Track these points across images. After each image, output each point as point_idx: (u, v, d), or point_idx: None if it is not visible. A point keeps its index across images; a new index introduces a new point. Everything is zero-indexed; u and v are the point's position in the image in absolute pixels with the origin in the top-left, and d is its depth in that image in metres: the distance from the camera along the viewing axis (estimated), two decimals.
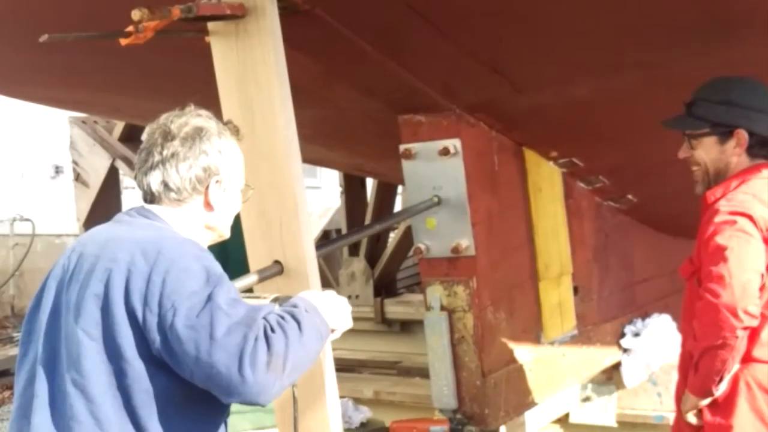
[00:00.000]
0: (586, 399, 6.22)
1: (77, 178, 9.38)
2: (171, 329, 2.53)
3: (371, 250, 8.48)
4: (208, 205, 2.87)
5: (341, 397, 3.60)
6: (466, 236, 4.67)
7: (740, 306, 3.60)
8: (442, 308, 4.77)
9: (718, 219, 3.78)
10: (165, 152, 2.82)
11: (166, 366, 2.58)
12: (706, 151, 4.00)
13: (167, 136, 2.83)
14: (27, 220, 15.21)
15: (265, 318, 2.62)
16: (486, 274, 4.77)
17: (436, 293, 4.78)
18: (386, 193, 8.67)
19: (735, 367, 3.78)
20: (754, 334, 3.75)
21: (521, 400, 5.04)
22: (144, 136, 2.89)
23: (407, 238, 8.00)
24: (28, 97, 7.11)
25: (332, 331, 2.87)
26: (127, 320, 2.58)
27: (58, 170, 15.99)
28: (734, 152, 3.95)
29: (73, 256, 2.79)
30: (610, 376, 6.25)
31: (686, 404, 3.96)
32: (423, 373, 6.38)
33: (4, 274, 15.19)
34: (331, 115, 5.27)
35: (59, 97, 6.72)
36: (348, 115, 5.26)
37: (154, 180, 2.83)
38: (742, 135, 3.94)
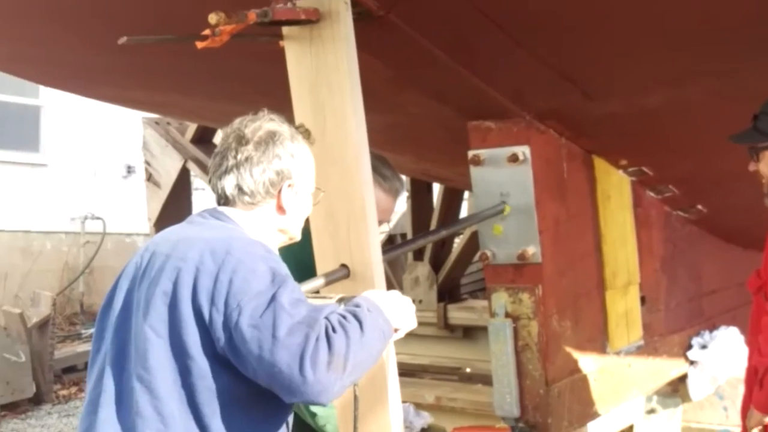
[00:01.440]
0: (651, 411, 6.18)
1: (149, 178, 9.50)
2: (236, 328, 2.58)
3: (436, 255, 8.48)
4: (280, 209, 2.93)
5: (402, 401, 3.60)
6: (532, 243, 4.66)
7: None
8: (507, 315, 4.75)
9: None
10: (239, 156, 2.88)
11: (231, 364, 2.63)
12: None
13: (241, 140, 2.90)
14: (98, 218, 15.41)
15: (327, 318, 2.65)
16: (552, 282, 4.75)
17: (501, 300, 4.77)
18: (453, 199, 8.66)
19: None
20: None
21: (585, 410, 5.02)
22: (218, 141, 3.02)
23: (472, 244, 7.99)
24: (104, 97, 7.21)
25: (396, 330, 2.89)
26: (193, 318, 2.64)
27: (130, 170, 16.16)
28: None
29: (145, 254, 2.84)
30: (676, 389, 6.20)
31: (751, 420, 3.94)
32: (485, 379, 6.37)
33: (74, 271, 15.41)
34: (401, 121, 5.28)
35: (134, 98, 6.81)
36: (418, 120, 5.27)
37: (229, 184, 2.90)
38: None
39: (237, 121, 2.96)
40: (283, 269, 2.73)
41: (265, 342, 2.55)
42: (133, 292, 2.81)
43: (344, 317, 2.69)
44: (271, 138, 2.92)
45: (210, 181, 2.98)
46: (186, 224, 2.97)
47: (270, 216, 2.94)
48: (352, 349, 2.63)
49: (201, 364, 2.64)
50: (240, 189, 2.89)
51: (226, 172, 2.90)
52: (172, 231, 2.94)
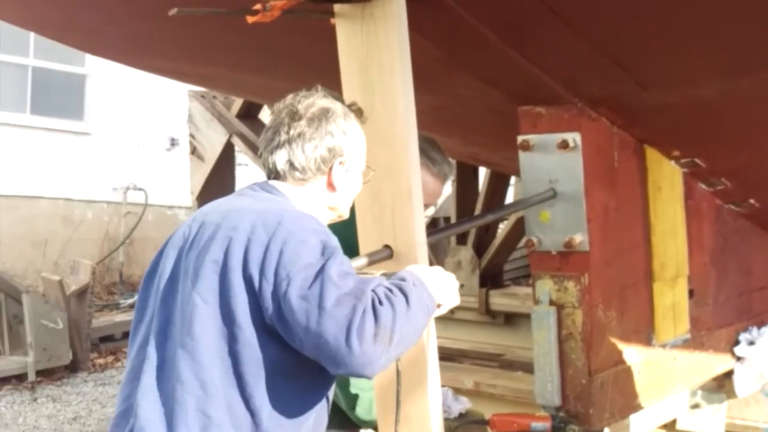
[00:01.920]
0: (695, 406, 6.10)
1: (193, 151, 9.51)
2: (284, 298, 2.59)
3: (479, 239, 8.43)
4: (330, 186, 2.96)
5: (441, 386, 3.59)
6: (580, 231, 4.60)
7: None
8: (551, 303, 4.70)
9: None
10: (292, 132, 2.91)
11: (278, 335, 2.65)
12: None
13: (294, 116, 2.92)
14: (140, 189, 15.51)
15: (373, 290, 2.66)
16: (599, 271, 4.69)
17: (545, 287, 4.71)
18: (499, 184, 8.60)
19: None
20: None
21: (628, 402, 4.95)
22: (270, 116, 2.99)
23: (517, 230, 7.94)
24: (152, 68, 7.22)
25: (438, 306, 2.91)
26: (243, 287, 2.66)
27: (173, 143, 16.23)
28: None
29: (194, 225, 2.87)
30: (722, 384, 6.11)
31: None
32: (525, 367, 6.33)
33: (115, 241, 15.52)
34: (450, 103, 5.24)
35: (182, 70, 6.80)
36: (467, 103, 5.23)
37: (280, 159, 2.92)
38: None
39: (290, 97, 2.99)
40: (334, 241, 2.74)
41: (312, 313, 2.56)
42: (180, 261, 2.83)
43: (390, 290, 2.71)
44: (324, 115, 2.94)
45: (261, 156, 3.00)
46: (235, 196, 3.00)
47: (320, 192, 2.96)
48: (398, 322, 2.64)
49: (248, 333, 2.66)
50: (291, 164, 2.92)
51: (278, 147, 2.93)
52: (222, 202, 2.96)
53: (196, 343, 2.68)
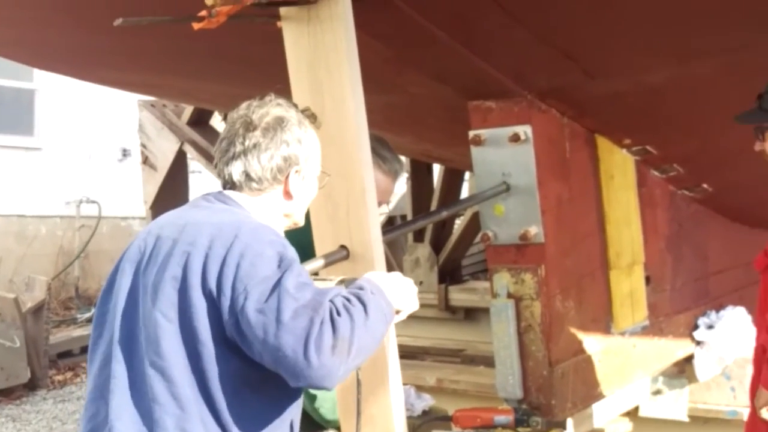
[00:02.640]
0: (657, 392, 6.13)
1: (145, 161, 9.45)
2: (242, 312, 2.56)
3: (436, 236, 8.44)
4: (287, 194, 2.94)
5: (403, 384, 3.58)
6: (535, 223, 4.61)
7: None
8: (509, 296, 4.71)
9: None
10: (247, 143, 2.88)
11: (240, 349, 2.62)
12: None
13: (249, 126, 2.89)
14: (93, 202, 15.37)
15: (331, 301, 2.63)
16: (555, 262, 4.71)
17: (503, 280, 4.73)
18: (453, 180, 8.62)
19: None
20: None
21: (589, 391, 4.97)
22: (225, 126, 2.96)
23: (473, 225, 7.96)
24: (100, 80, 7.16)
25: (398, 312, 2.88)
26: (203, 303, 2.63)
27: (125, 153, 16.13)
28: None
29: (149, 239, 2.83)
30: (682, 369, 6.14)
31: (760, 400, 3.91)
32: (487, 361, 6.34)
33: (69, 255, 15.37)
34: (400, 101, 5.24)
35: (131, 80, 6.76)
36: (418, 101, 5.23)
37: (236, 170, 2.90)
38: None
39: (243, 106, 2.96)
40: (291, 253, 2.72)
41: (269, 326, 2.54)
42: (138, 276, 2.80)
43: (348, 300, 2.68)
44: (278, 124, 2.91)
45: (216, 167, 2.97)
46: (190, 207, 2.97)
47: (276, 201, 2.94)
48: (356, 332, 2.61)
49: (211, 349, 2.64)
50: (247, 175, 2.89)
51: (234, 158, 2.90)
52: (177, 215, 2.93)
53: (165, 362, 2.65)
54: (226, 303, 2.60)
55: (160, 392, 2.65)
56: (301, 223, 3.07)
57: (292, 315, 2.54)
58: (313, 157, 3.00)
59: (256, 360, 2.61)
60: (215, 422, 2.66)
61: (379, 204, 3.92)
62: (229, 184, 2.93)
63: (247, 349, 2.60)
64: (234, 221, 2.76)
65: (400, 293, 2.90)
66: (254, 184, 2.90)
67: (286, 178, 2.91)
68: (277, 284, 2.59)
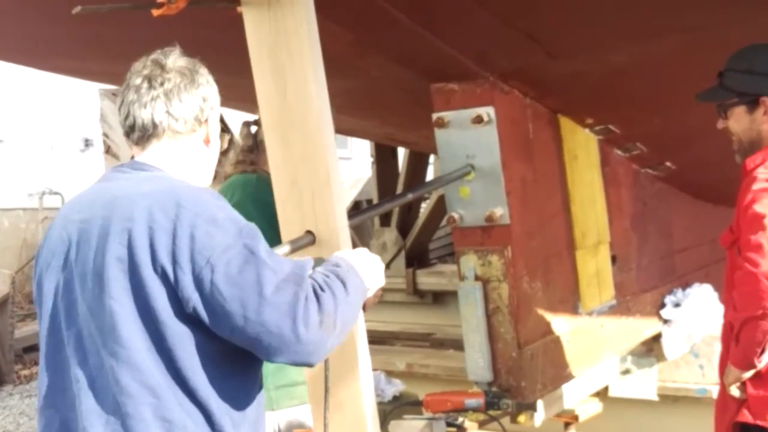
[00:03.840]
0: (626, 372, 6.15)
1: (107, 150, 9.37)
2: (213, 286, 2.45)
3: (403, 220, 8.43)
4: (207, 141, 2.81)
5: (373, 370, 3.56)
6: (500, 205, 4.60)
7: None
8: (477, 278, 4.71)
9: (756, 186, 3.75)
10: (167, 84, 2.74)
11: (202, 324, 2.50)
12: (738, 121, 3.99)
13: (164, 68, 2.76)
14: (56, 193, 15.26)
15: (311, 277, 2.59)
16: (521, 243, 4.70)
17: (470, 263, 4.72)
18: (418, 163, 8.61)
19: None
20: None
21: (559, 372, 4.98)
22: (133, 74, 2.79)
23: (439, 208, 7.95)
24: (59, 69, 7.08)
25: (368, 289, 2.85)
26: (157, 281, 2.49)
27: (87, 143, 16.02)
28: (763, 120, 3.94)
29: (70, 226, 2.66)
30: (651, 348, 6.17)
31: (729, 377, 3.91)
32: (456, 345, 6.34)
33: (33, 248, 15.22)
34: (363, 85, 5.21)
35: (90, 69, 6.68)
36: (380, 84, 5.20)
37: (158, 111, 2.72)
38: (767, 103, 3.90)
39: (146, 57, 2.83)
40: (241, 217, 2.61)
41: (249, 301, 2.45)
42: (69, 268, 2.63)
43: (327, 276, 2.64)
44: (192, 65, 2.81)
45: (126, 118, 2.76)
46: (106, 182, 2.75)
47: (196, 149, 2.80)
48: (339, 308, 2.58)
49: (174, 328, 2.50)
50: (170, 115, 2.72)
51: (153, 99, 2.72)
52: (94, 193, 2.72)
53: (127, 350, 2.49)
54: (186, 278, 2.46)
55: (128, 383, 2.50)
56: (210, 180, 2.91)
57: (274, 289, 2.46)
58: (218, 101, 2.87)
59: (220, 335, 2.51)
60: (192, 403, 2.54)
61: None
62: (150, 128, 2.73)
63: (214, 324, 2.48)
64: (168, 188, 2.60)
65: (370, 270, 2.88)
66: (177, 125, 2.73)
67: (206, 121, 2.78)
68: (250, 254, 2.49)
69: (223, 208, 2.59)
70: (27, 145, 15.46)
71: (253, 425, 2.70)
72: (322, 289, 2.56)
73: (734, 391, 3.92)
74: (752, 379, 3.86)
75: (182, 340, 2.51)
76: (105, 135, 9.38)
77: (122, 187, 2.64)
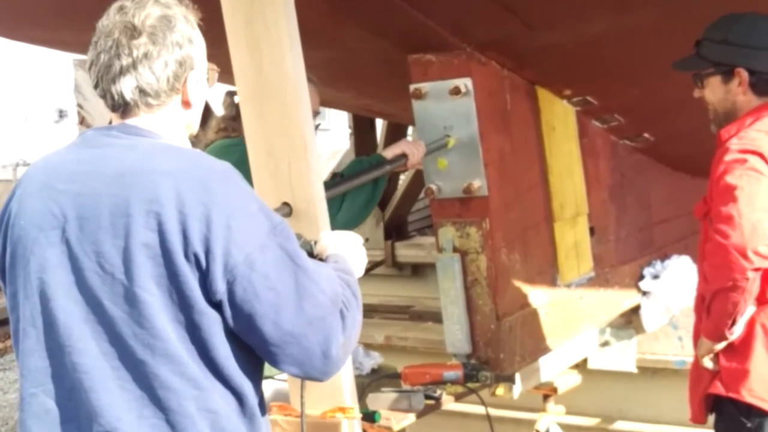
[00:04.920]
0: (605, 344, 6.15)
1: (81, 121, 9.27)
2: (249, 284, 2.34)
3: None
4: (186, 104, 2.60)
5: None
6: (478, 176, 4.59)
7: (750, 247, 3.56)
8: (455, 250, 4.69)
9: (728, 157, 3.74)
10: (135, 53, 2.47)
11: (219, 306, 2.38)
12: (713, 91, 4.00)
13: (132, 33, 2.48)
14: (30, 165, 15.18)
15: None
16: (499, 215, 4.69)
17: (448, 234, 4.70)
18: (396, 135, 8.55)
19: (749, 309, 3.74)
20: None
21: (537, 344, 4.97)
22: (99, 39, 2.51)
23: (418, 180, 7.92)
24: (32, 39, 7.00)
25: None
26: (189, 269, 2.33)
27: (62, 114, 15.95)
28: (738, 91, 3.93)
29: (62, 199, 2.44)
30: (629, 320, 6.16)
31: (701, 349, 3.92)
32: (435, 317, 6.32)
33: None
34: (340, 56, 5.18)
35: (64, 39, 6.60)
36: (357, 55, 5.17)
37: (127, 86, 2.48)
38: (743, 74, 3.91)
39: (115, 9, 2.52)
40: (268, 207, 2.48)
41: (285, 309, 2.36)
42: (70, 246, 2.40)
43: (344, 288, 2.55)
44: (165, 24, 2.52)
45: (97, 86, 2.54)
46: (94, 149, 2.52)
47: (175, 114, 2.59)
48: (355, 328, 2.53)
49: (211, 316, 2.36)
50: (142, 91, 2.49)
51: (121, 73, 2.47)
52: (86, 162, 2.49)
53: (164, 342, 2.34)
54: (217, 269, 2.32)
55: (169, 378, 2.35)
56: (196, 131, 2.74)
57: (313, 303, 2.39)
58: (203, 54, 2.64)
59: (231, 327, 2.39)
60: (227, 390, 2.44)
61: (315, 114, 4.08)
62: (121, 105, 2.52)
63: (235, 319, 2.37)
64: (190, 165, 2.43)
65: (359, 261, 2.82)
66: (151, 100, 2.51)
67: (183, 84, 2.56)
68: (288, 259, 2.39)
69: (254, 196, 2.47)
70: (0, 116, 15.35)
71: (263, 397, 2.63)
72: (347, 309, 2.49)
73: (707, 362, 3.93)
74: (725, 350, 3.87)
75: (218, 328, 2.39)
76: (79, 106, 9.28)
77: (126, 159, 2.44)
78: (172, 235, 2.31)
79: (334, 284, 2.49)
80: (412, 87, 4.63)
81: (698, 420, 4.07)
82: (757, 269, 3.61)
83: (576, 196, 5.36)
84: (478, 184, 4.57)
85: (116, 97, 2.50)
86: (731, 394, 3.84)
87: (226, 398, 2.44)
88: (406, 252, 8.28)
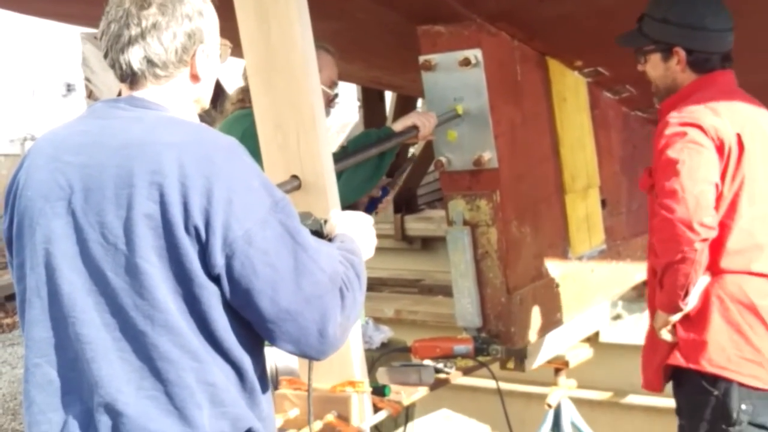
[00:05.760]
0: (617, 317, 6.13)
1: (89, 95, 9.25)
2: (247, 260, 2.34)
3: (390, 165, 8.34)
4: (194, 77, 2.61)
5: None
6: (488, 148, 4.55)
7: (695, 219, 3.62)
8: (465, 223, 4.65)
9: (668, 131, 3.80)
10: (144, 23, 2.50)
11: (217, 279, 2.39)
12: (654, 67, 4.09)
13: (143, 3, 2.51)
14: None
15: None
16: (510, 187, 4.65)
17: (458, 207, 4.67)
18: (405, 107, 8.50)
19: (703, 279, 3.81)
20: (719, 244, 3.79)
21: (548, 317, 4.94)
22: (111, 8, 2.55)
23: (427, 153, 7.89)
24: (40, 12, 6.97)
25: None
26: (189, 242, 2.33)
27: (69, 88, 15.93)
28: (677, 69, 4.01)
29: (68, 170, 2.45)
30: (642, 293, 6.12)
31: (658, 322, 3.95)
32: (445, 291, 6.32)
33: None
34: (349, 28, 5.14)
35: (71, 12, 6.58)
36: (366, 27, 5.13)
37: (135, 57, 2.51)
38: (681, 53, 3.99)
39: None
40: (270, 182, 2.48)
41: (282, 286, 2.36)
42: (75, 217, 2.41)
43: (347, 268, 2.54)
44: None
45: (106, 56, 2.57)
46: (100, 120, 2.54)
47: (183, 87, 2.60)
48: (355, 309, 2.52)
49: (210, 289, 2.37)
50: (149, 61, 2.52)
51: (130, 43, 2.50)
52: (92, 133, 2.50)
53: (164, 314, 2.34)
54: (216, 242, 2.32)
55: (168, 349, 2.35)
56: (207, 105, 2.75)
57: (312, 282, 2.39)
58: (215, 29, 2.65)
59: (228, 299, 2.39)
60: (227, 363, 2.44)
61: (334, 84, 4.27)
62: (129, 75, 2.55)
63: (232, 293, 2.38)
64: (195, 138, 2.43)
65: (368, 242, 2.81)
66: (158, 71, 2.53)
67: (192, 57, 2.57)
68: (288, 236, 2.39)
69: (257, 171, 2.46)
70: (8, 90, 15.34)
71: (266, 372, 2.63)
72: (347, 289, 2.48)
73: (665, 335, 3.96)
74: (682, 322, 3.91)
75: (216, 301, 2.39)
76: (87, 79, 9.25)
77: (132, 131, 2.45)
78: (174, 207, 2.32)
79: (335, 263, 2.49)
80: (421, 58, 4.59)
81: (654, 388, 4.11)
82: (704, 240, 3.66)
83: (587, 168, 5.32)
84: (489, 156, 4.53)
85: (124, 66, 2.53)
86: (691, 365, 3.88)
87: (225, 371, 2.44)
88: (415, 225, 8.26)
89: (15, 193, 2.54)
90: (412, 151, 8.67)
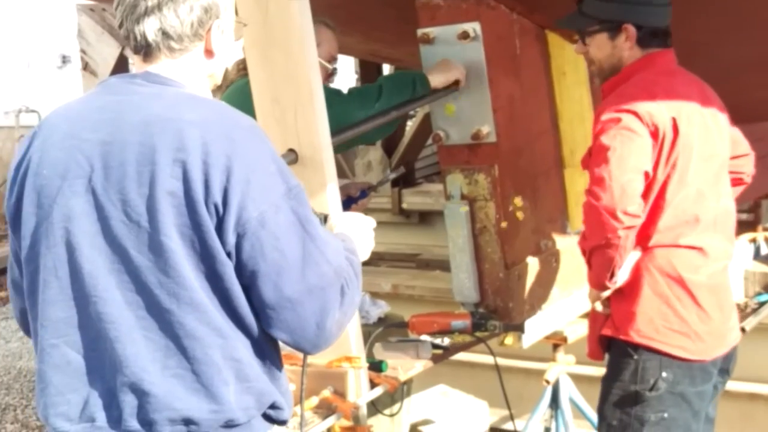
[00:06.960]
0: None
1: (85, 67, 9.22)
2: (257, 241, 2.34)
3: (388, 138, 8.35)
4: (208, 52, 2.59)
5: None
6: (486, 122, 4.51)
7: (619, 208, 3.68)
8: (463, 197, 4.62)
9: (604, 117, 3.83)
10: None
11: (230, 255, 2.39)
12: (599, 48, 4.08)
13: None
14: (33, 111, 15.14)
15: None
16: (508, 161, 4.62)
17: (456, 182, 4.64)
18: None
19: (634, 254, 3.89)
20: (651, 223, 3.86)
21: (547, 293, 4.92)
22: None
23: (425, 126, 7.87)
24: None
25: None
26: (209, 219, 2.33)
27: (65, 60, 15.87)
28: (625, 46, 4.01)
29: (86, 147, 2.41)
30: None
31: (590, 296, 4.10)
32: (443, 265, 6.30)
33: (9, 167, 15.13)
34: (347, 1, 5.10)
35: None
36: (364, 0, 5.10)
37: (150, 28, 2.50)
38: (631, 29, 3.98)
39: None
40: (287, 167, 2.49)
41: (287, 274, 2.36)
42: (96, 195, 2.39)
43: (348, 266, 2.55)
44: None
45: (121, 26, 2.55)
46: (117, 96, 2.50)
47: (198, 62, 2.58)
48: (352, 308, 2.54)
49: (230, 265, 2.37)
50: (165, 33, 2.50)
51: (146, 13, 2.49)
52: (109, 109, 2.46)
53: (189, 291, 2.35)
54: (230, 220, 2.32)
55: (194, 327, 2.36)
56: (220, 81, 2.75)
57: (318, 273, 2.39)
58: (230, 5, 2.65)
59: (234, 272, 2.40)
60: (248, 338, 2.45)
61: (333, 59, 4.35)
62: (144, 48, 2.53)
63: (238, 271, 2.38)
64: (217, 117, 2.42)
65: (366, 245, 2.86)
66: (173, 43, 2.51)
67: (208, 32, 2.55)
68: (299, 224, 2.39)
69: (275, 155, 2.46)
70: (3, 62, 15.29)
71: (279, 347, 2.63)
72: (348, 286, 2.49)
73: (599, 307, 4.08)
74: (615, 294, 4.00)
75: (234, 277, 2.40)
76: (83, 51, 9.22)
77: (152, 107, 2.43)
78: (196, 184, 2.32)
79: (340, 258, 2.50)
80: (419, 32, 4.55)
81: (595, 357, 4.20)
82: (628, 227, 3.72)
83: (587, 143, 5.25)
84: (487, 130, 4.50)
85: (139, 37, 2.51)
86: (621, 336, 3.96)
87: (248, 347, 2.45)
88: (413, 199, 8.24)
89: (25, 172, 2.52)
90: (410, 124, 8.66)
